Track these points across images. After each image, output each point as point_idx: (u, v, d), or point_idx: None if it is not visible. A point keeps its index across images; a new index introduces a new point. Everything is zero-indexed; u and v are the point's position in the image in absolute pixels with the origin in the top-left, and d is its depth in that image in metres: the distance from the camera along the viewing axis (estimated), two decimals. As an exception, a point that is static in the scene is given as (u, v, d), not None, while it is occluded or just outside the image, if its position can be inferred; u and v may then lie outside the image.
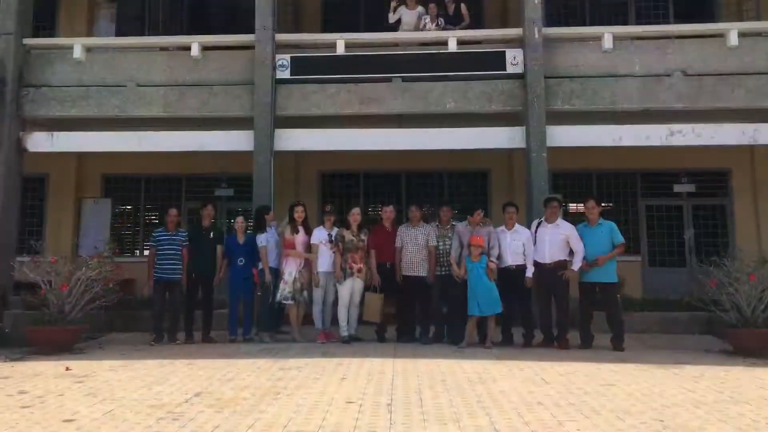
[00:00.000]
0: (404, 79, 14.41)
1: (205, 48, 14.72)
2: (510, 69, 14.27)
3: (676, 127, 13.98)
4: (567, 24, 17.45)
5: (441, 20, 14.99)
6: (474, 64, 14.44)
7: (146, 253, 15.05)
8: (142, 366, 9.30)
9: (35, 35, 16.01)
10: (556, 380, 8.11)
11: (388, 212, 12.25)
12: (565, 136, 14.09)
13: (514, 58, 14.23)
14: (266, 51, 14.30)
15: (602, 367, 9.17)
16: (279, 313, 12.60)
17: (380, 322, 11.79)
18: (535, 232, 11.50)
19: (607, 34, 14.14)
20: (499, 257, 11.30)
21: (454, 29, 14.98)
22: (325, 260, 11.74)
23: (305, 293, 11.79)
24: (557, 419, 6.01)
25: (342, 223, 12.15)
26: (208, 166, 17.34)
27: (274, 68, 14.32)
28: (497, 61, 14.39)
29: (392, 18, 15.26)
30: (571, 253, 11.25)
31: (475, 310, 10.93)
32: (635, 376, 8.46)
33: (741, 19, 16.49)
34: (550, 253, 11.26)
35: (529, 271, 11.29)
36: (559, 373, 8.59)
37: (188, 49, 14.67)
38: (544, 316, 11.42)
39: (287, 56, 14.50)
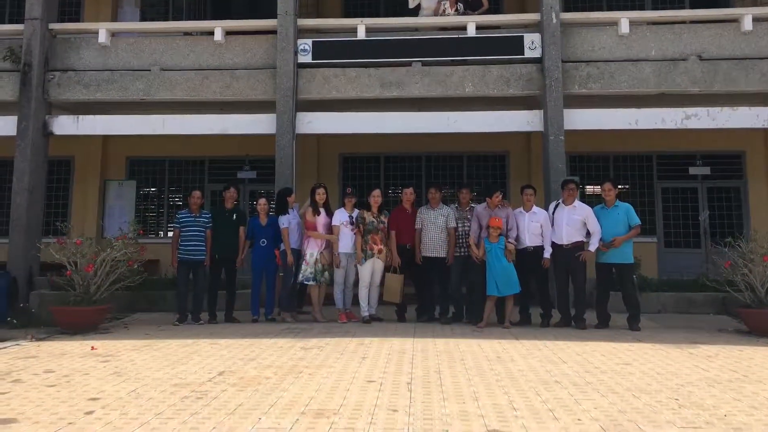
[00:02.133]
0: (424, 64, 14.56)
1: (228, 33, 14.92)
2: (528, 53, 14.42)
3: (691, 110, 14.09)
4: (584, 9, 17.53)
5: (460, 5, 15.10)
6: (492, 49, 14.58)
7: (170, 234, 15.46)
8: (165, 345, 9.43)
9: (61, 21, 16.17)
10: (573, 359, 8.23)
11: (408, 194, 12.31)
12: (582, 119, 14.25)
13: (532, 42, 14.38)
14: (288, 36, 14.50)
15: (619, 347, 9.28)
16: (301, 294, 12.86)
17: (400, 302, 11.92)
18: (553, 213, 11.62)
19: (624, 18, 14.27)
20: (518, 238, 11.42)
21: (473, 14, 15.14)
22: (346, 241, 11.85)
23: (326, 274, 11.91)
24: (574, 398, 6.12)
25: (363, 204, 12.28)
26: (231, 149, 17.69)
27: (296, 53, 14.52)
28: (515, 45, 14.53)
29: (412, 3, 15.35)
30: (588, 234, 11.38)
31: (494, 290, 11.08)
32: (651, 356, 8.56)
33: (755, 5, 16.46)
34: (567, 235, 11.38)
35: (547, 252, 11.44)
36: (576, 353, 8.72)
37: (211, 34, 14.89)
38: (561, 297, 11.55)
39: (309, 41, 14.69)
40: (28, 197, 14.22)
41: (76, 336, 10.67)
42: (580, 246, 11.42)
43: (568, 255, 11.35)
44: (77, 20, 18.50)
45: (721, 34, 14.23)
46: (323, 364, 7.81)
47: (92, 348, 9.23)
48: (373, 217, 11.89)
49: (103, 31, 14.94)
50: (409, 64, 14.57)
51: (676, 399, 6.10)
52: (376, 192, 12.21)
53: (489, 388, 6.53)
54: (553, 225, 11.54)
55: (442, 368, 7.58)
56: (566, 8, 15.82)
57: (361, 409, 5.67)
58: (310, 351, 8.76)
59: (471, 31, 14.51)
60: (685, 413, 5.61)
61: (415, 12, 15.41)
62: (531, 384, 6.75)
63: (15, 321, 11.79)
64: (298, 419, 5.34)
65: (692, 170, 17.96)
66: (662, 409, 5.74)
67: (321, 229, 12.02)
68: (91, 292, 11.53)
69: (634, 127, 14.31)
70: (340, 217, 11.98)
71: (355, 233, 11.86)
